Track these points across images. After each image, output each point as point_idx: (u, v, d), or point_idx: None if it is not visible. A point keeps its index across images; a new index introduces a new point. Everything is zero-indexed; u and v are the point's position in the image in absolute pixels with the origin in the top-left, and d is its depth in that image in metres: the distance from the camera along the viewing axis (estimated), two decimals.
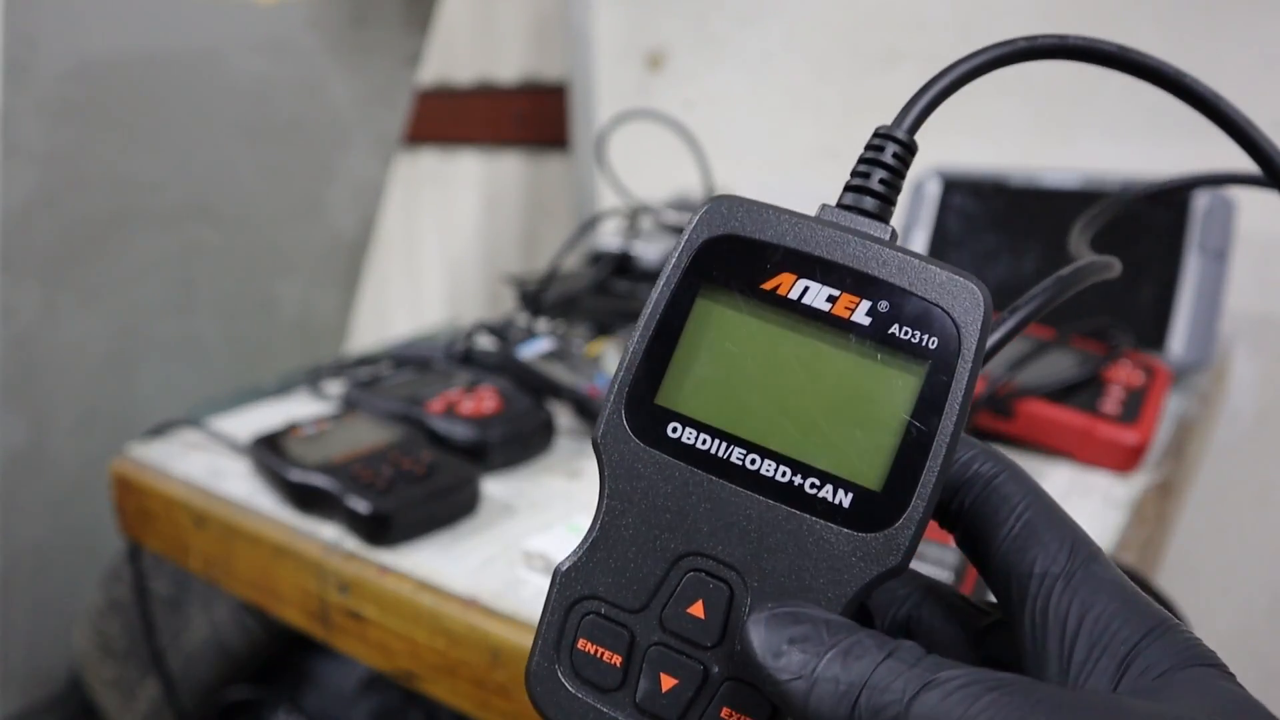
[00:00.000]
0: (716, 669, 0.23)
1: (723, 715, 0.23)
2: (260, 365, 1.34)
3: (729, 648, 0.23)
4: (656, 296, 0.25)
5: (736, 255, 0.24)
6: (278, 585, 0.67)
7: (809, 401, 0.23)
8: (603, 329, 0.95)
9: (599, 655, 0.24)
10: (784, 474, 0.23)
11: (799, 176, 1.28)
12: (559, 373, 0.81)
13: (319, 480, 0.64)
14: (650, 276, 1.01)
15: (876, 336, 0.23)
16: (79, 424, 1.18)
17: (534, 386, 0.79)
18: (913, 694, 0.20)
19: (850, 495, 0.23)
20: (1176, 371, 0.85)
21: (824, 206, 0.25)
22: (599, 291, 1.00)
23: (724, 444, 0.24)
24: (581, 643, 0.24)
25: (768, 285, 0.24)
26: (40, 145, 1.06)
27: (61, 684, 1.22)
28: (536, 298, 0.97)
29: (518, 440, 0.72)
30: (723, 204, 0.25)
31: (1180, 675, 0.21)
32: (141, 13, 1.12)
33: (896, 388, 0.23)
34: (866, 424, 0.23)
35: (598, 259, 1.07)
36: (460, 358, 0.86)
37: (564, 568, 0.25)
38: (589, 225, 1.05)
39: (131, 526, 0.78)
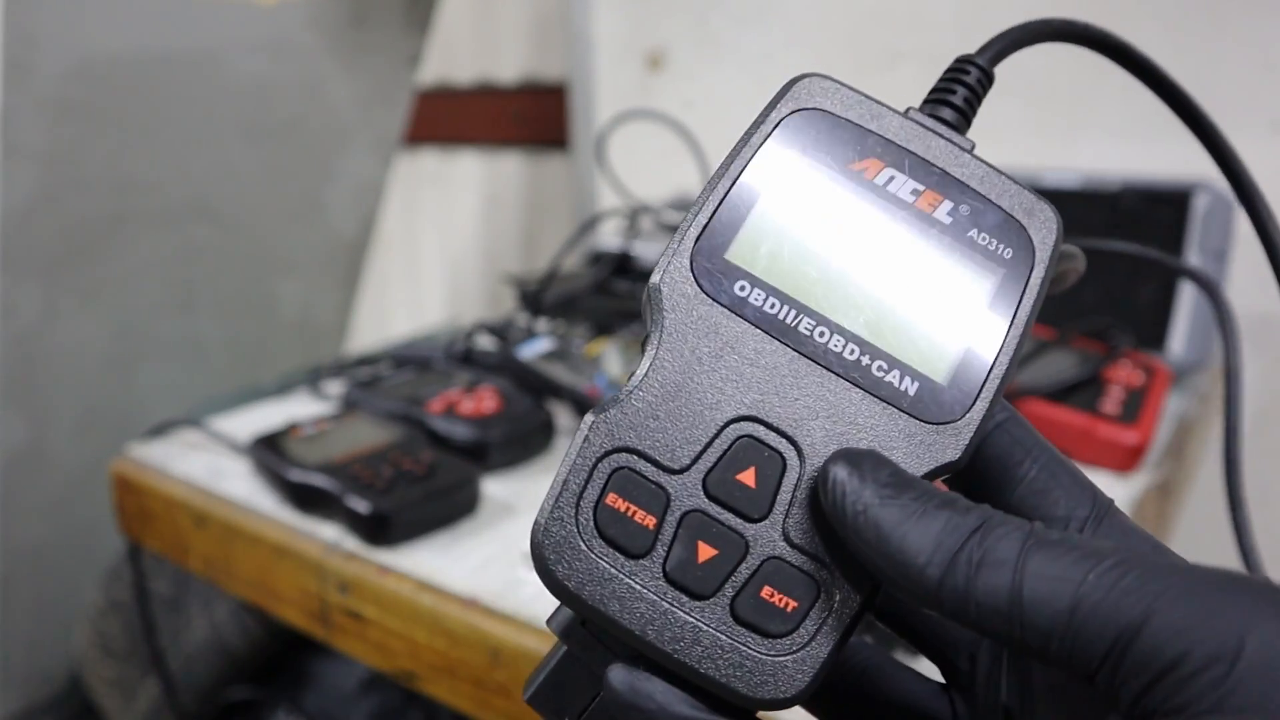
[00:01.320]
0: (761, 543, 0.22)
1: (763, 594, 0.21)
2: (260, 365, 1.34)
3: (777, 523, 0.22)
4: (739, 153, 0.23)
5: (826, 132, 0.24)
6: (278, 585, 0.67)
7: (884, 286, 0.23)
8: (603, 329, 0.95)
9: (630, 514, 0.22)
10: (852, 351, 0.22)
11: None
12: (559, 373, 0.81)
13: (319, 480, 0.64)
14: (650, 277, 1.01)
15: (956, 236, 0.23)
16: (79, 424, 1.18)
17: (534, 386, 0.79)
18: (1032, 544, 0.19)
19: (916, 384, 0.22)
20: (1176, 371, 0.85)
21: (910, 108, 0.25)
22: (599, 291, 1.00)
23: (794, 312, 0.23)
24: (611, 497, 0.22)
25: (855, 166, 0.23)
26: (40, 145, 1.06)
27: (61, 684, 1.22)
28: (536, 298, 0.96)
29: (518, 440, 0.72)
30: (815, 82, 0.24)
31: None
32: (141, 13, 1.12)
33: (971, 287, 0.23)
34: (939, 318, 0.23)
35: (598, 259, 1.07)
36: (460, 358, 0.86)
37: (598, 413, 0.22)
38: (589, 225, 1.05)
39: (131, 526, 0.78)
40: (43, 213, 1.08)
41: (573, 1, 1.44)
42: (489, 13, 1.69)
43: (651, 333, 0.23)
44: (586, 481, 0.22)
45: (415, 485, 0.63)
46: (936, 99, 0.25)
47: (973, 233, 0.23)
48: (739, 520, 0.22)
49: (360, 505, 0.61)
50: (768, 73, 1.30)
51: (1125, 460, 0.71)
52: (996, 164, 0.24)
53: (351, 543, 0.63)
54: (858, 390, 0.22)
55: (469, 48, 1.73)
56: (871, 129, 0.24)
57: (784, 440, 0.22)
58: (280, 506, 0.67)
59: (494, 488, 0.69)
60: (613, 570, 0.22)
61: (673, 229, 1.10)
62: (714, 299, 0.23)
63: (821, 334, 0.22)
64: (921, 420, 0.22)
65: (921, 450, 0.22)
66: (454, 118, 1.78)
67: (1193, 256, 0.87)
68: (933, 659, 0.26)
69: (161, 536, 0.75)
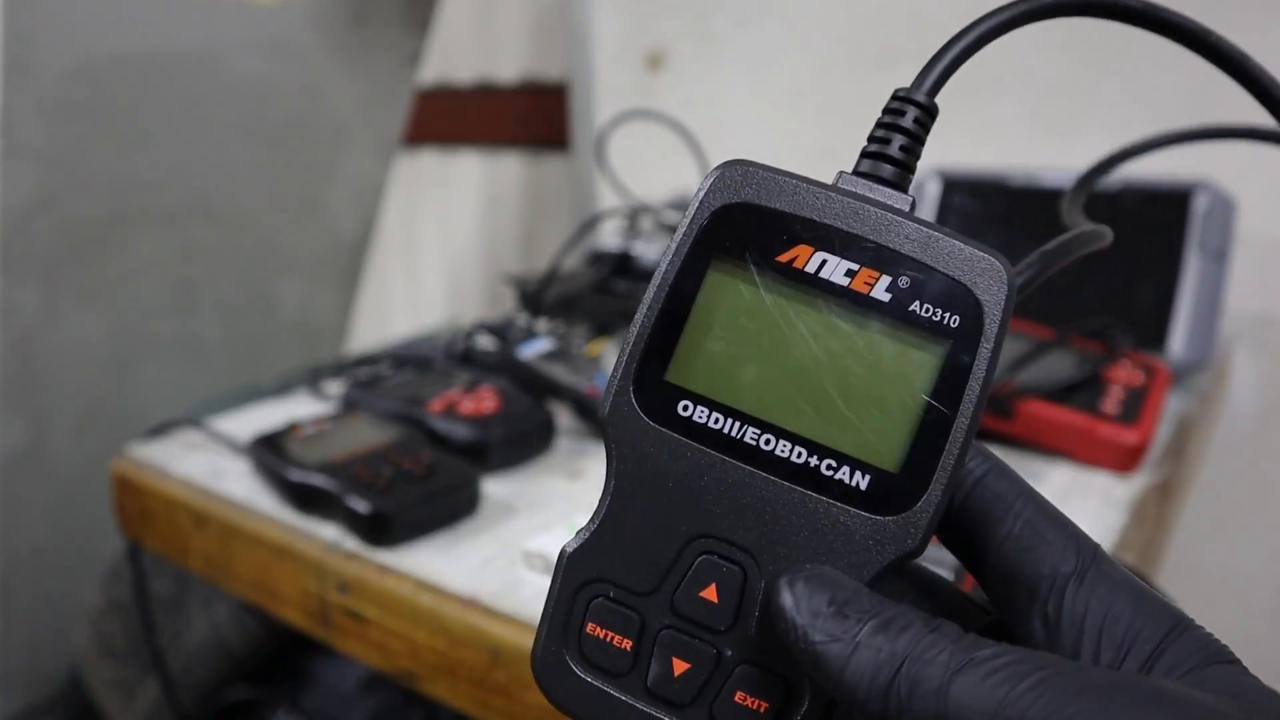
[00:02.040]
0: (730, 653, 0.23)
1: (736, 699, 0.23)
2: (260, 365, 1.34)
3: (742, 632, 0.23)
4: (666, 268, 0.23)
5: (750, 225, 0.23)
6: (278, 585, 0.67)
7: (825, 380, 0.23)
8: (603, 329, 0.95)
9: (609, 639, 0.24)
10: (799, 455, 0.23)
11: None
12: (559, 373, 0.81)
13: (319, 480, 0.64)
14: (651, 277, 1.01)
15: (896, 313, 0.22)
16: (79, 424, 1.18)
17: (534, 386, 0.79)
18: (955, 669, 0.20)
19: (868, 478, 0.22)
20: (1176, 371, 0.85)
21: (841, 174, 0.24)
22: (599, 291, 1.00)
23: (737, 423, 0.23)
24: (590, 626, 0.24)
25: (783, 258, 0.23)
26: (40, 145, 1.06)
27: (61, 684, 1.22)
28: (536, 298, 0.97)
29: (518, 440, 0.72)
30: (735, 170, 0.23)
31: (1206, 673, 0.21)
32: (141, 13, 1.12)
33: (916, 367, 0.22)
34: (884, 404, 0.22)
35: (598, 259, 1.07)
36: (460, 358, 0.86)
37: (570, 549, 0.24)
38: (589, 225, 1.05)
39: (131, 526, 0.78)
40: (43, 213, 1.08)
41: (573, 1, 1.44)
42: (489, 13, 1.69)
43: (609, 463, 0.24)
44: (569, 613, 0.24)
45: (415, 485, 0.63)
46: (873, 153, 0.24)
47: (914, 306, 0.22)
48: (707, 633, 0.23)
49: (360, 505, 0.61)
50: (768, 73, 1.30)
51: (1125, 460, 0.71)
52: (933, 222, 0.23)
53: (351, 543, 0.63)
54: (808, 494, 0.23)
55: (469, 48, 1.73)
56: (798, 213, 0.23)
57: (741, 552, 0.23)
58: (280, 506, 0.67)
59: (494, 488, 0.69)
60: (601, 689, 0.24)
61: (673, 229, 1.09)
62: (661, 424, 0.23)
63: (767, 442, 0.23)
64: (876, 514, 0.22)
65: (877, 545, 0.22)
66: (454, 118, 1.78)
67: (1193, 256, 0.87)
68: (993, 595, 0.26)
69: (161, 536, 0.75)
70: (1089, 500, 0.68)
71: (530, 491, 0.70)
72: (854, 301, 0.22)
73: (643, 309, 0.23)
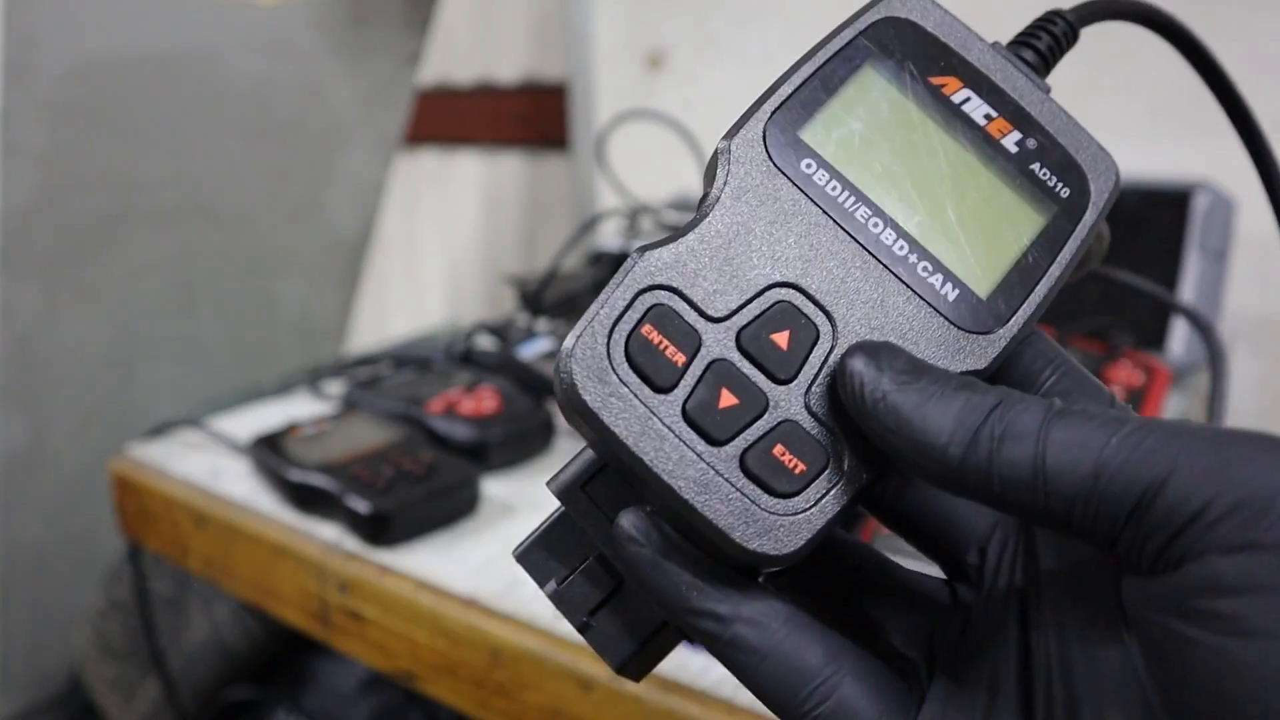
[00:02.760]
0: (782, 404, 0.22)
1: (775, 452, 0.22)
2: (260, 365, 1.34)
3: (800, 390, 0.22)
4: (830, 45, 0.24)
5: (913, 42, 0.25)
6: (278, 585, 0.67)
7: (944, 195, 0.24)
8: None
9: (661, 347, 0.22)
10: (901, 247, 0.23)
11: None
12: None
13: (319, 480, 0.64)
14: None
15: (1019, 165, 0.24)
16: (79, 424, 1.18)
17: (534, 386, 0.79)
18: (1053, 415, 0.19)
19: (957, 291, 0.23)
20: (1176, 371, 0.85)
21: (996, 42, 0.26)
22: (599, 291, 1.00)
23: (853, 199, 0.23)
24: (647, 328, 0.22)
25: (935, 80, 0.24)
26: (40, 145, 1.06)
27: (61, 684, 1.22)
28: (536, 298, 0.97)
29: (518, 440, 0.72)
30: None
31: None
32: (141, 13, 1.12)
33: (1024, 217, 0.24)
34: (989, 236, 0.23)
35: (598, 259, 1.07)
36: (460, 358, 0.86)
37: (644, 248, 0.23)
38: (589, 225, 1.05)
39: (131, 526, 0.78)
40: (43, 213, 1.08)
41: (573, 1, 1.44)
42: (489, 13, 1.69)
43: (711, 189, 0.23)
44: (625, 311, 0.22)
45: (415, 485, 0.63)
46: (1022, 41, 0.26)
47: (1034, 166, 0.24)
48: (765, 378, 0.22)
49: (360, 505, 0.61)
50: (768, 73, 1.29)
51: None
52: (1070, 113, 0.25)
53: (351, 543, 0.63)
54: (900, 284, 0.23)
55: (469, 48, 1.73)
56: (956, 49, 0.25)
57: (821, 313, 0.23)
58: (280, 506, 0.67)
59: (494, 488, 0.69)
60: (635, 398, 0.22)
61: (673, 229, 1.09)
62: (781, 170, 0.23)
63: (875, 225, 0.23)
64: (956, 326, 0.23)
65: (950, 353, 0.23)
66: (454, 118, 1.78)
67: (1193, 256, 0.87)
68: (937, 558, 0.26)
69: (161, 536, 0.75)
70: None
71: (530, 491, 0.70)
72: (985, 141, 0.24)
73: (799, 67, 0.24)
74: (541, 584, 0.26)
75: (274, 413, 0.82)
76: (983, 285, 0.23)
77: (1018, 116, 0.24)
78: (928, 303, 0.23)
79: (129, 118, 1.14)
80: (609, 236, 1.09)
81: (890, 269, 0.23)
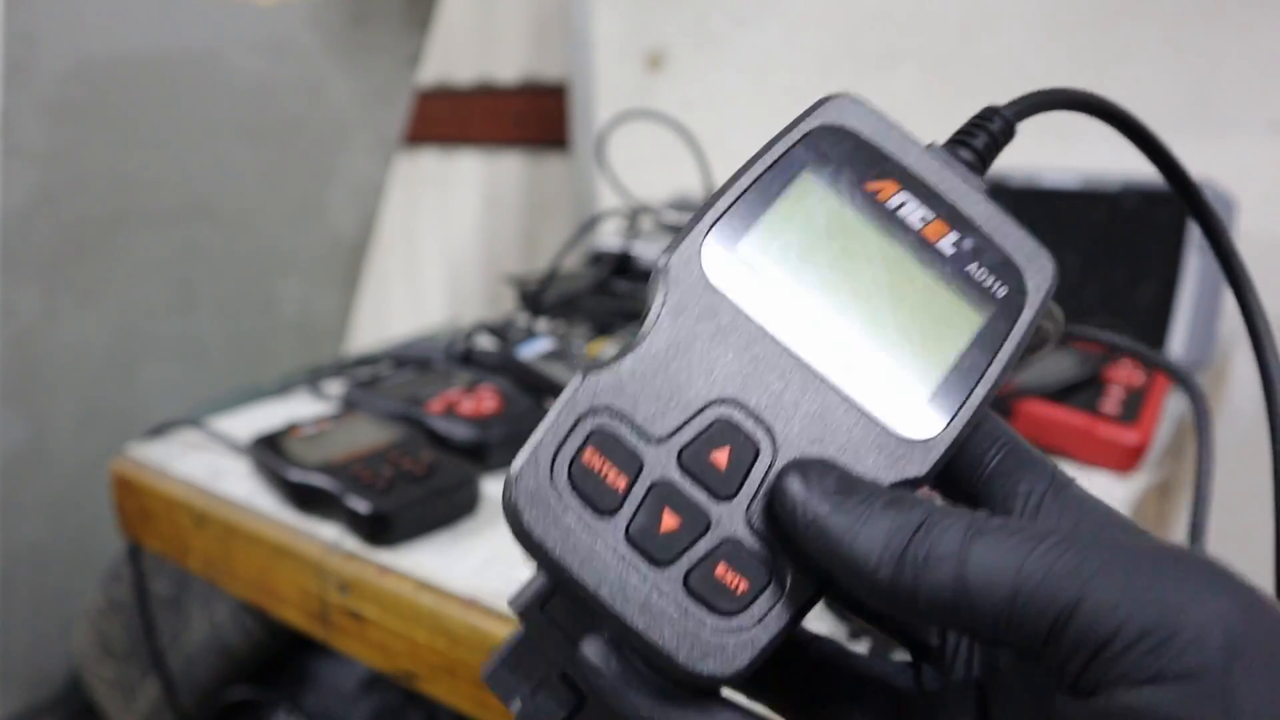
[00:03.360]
0: (723, 523, 0.22)
1: (717, 572, 0.22)
2: (260, 365, 1.34)
3: (740, 507, 0.22)
4: (766, 154, 0.25)
5: (849, 149, 0.25)
6: (278, 585, 0.67)
7: (882, 300, 0.24)
8: (603, 329, 0.95)
9: (603, 472, 0.22)
10: (842, 358, 0.23)
11: None
12: (559, 373, 0.81)
13: (319, 480, 0.64)
14: (649, 273, 1.01)
15: (955, 268, 0.24)
16: (79, 424, 1.18)
17: (534, 386, 0.79)
18: (974, 533, 0.20)
19: (897, 397, 0.23)
20: None
21: (932, 143, 0.26)
22: (599, 291, 1.00)
23: (793, 311, 0.23)
24: (589, 453, 0.23)
25: (870, 187, 0.24)
26: (40, 145, 1.06)
27: (61, 684, 1.22)
28: (536, 298, 0.97)
29: (518, 440, 0.72)
30: (847, 101, 0.25)
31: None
32: (141, 13, 1.12)
33: (962, 319, 0.24)
34: (928, 340, 0.24)
35: (598, 259, 1.07)
36: (460, 358, 0.86)
37: (588, 373, 0.23)
38: (589, 225, 1.05)
39: (131, 526, 0.78)
40: (43, 213, 1.08)
41: (573, 1, 1.44)
42: (489, 13, 1.69)
43: (651, 306, 0.24)
44: (567, 435, 0.23)
45: (415, 485, 0.63)
46: (960, 140, 0.26)
47: (971, 267, 0.24)
48: (705, 496, 0.22)
49: (360, 505, 0.61)
50: (768, 73, 1.30)
51: (1125, 460, 0.71)
52: (1004, 211, 0.25)
53: (351, 543, 0.63)
54: (843, 394, 0.23)
55: (469, 48, 1.73)
56: (892, 154, 0.25)
57: (761, 428, 0.23)
58: (280, 506, 0.67)
59: (494, 488, 0.69)
60: (578, 524, 0.22)
61: (673, 229, 1.10)
62: (717, 286, 0.23)
63: (815, 336, 0.23)
64: (894, 434, 0.23)
65: (890, 461, 0.23)
66: (454, 118, 1.78)
67: (1193, 257, 0.87)
68: (902, 642, 0.26)
69: (161, 536, 0.75)
70: None
71: None
72: (922, 244, 0.24)
73: (736, 179, 0.24)
74: (507, 702, 0.26)
75: (274, 413, 0.82)
76: (923, 390, 0.23)
77: (954, 218, 0.24)
78: (866, 412, 0.23)
79: (129, 118, 1.14)
80: (609, 236, 1.09)
81: (829, 380, 0.23)
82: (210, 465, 0.74)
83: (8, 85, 1.01)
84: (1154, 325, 0.87)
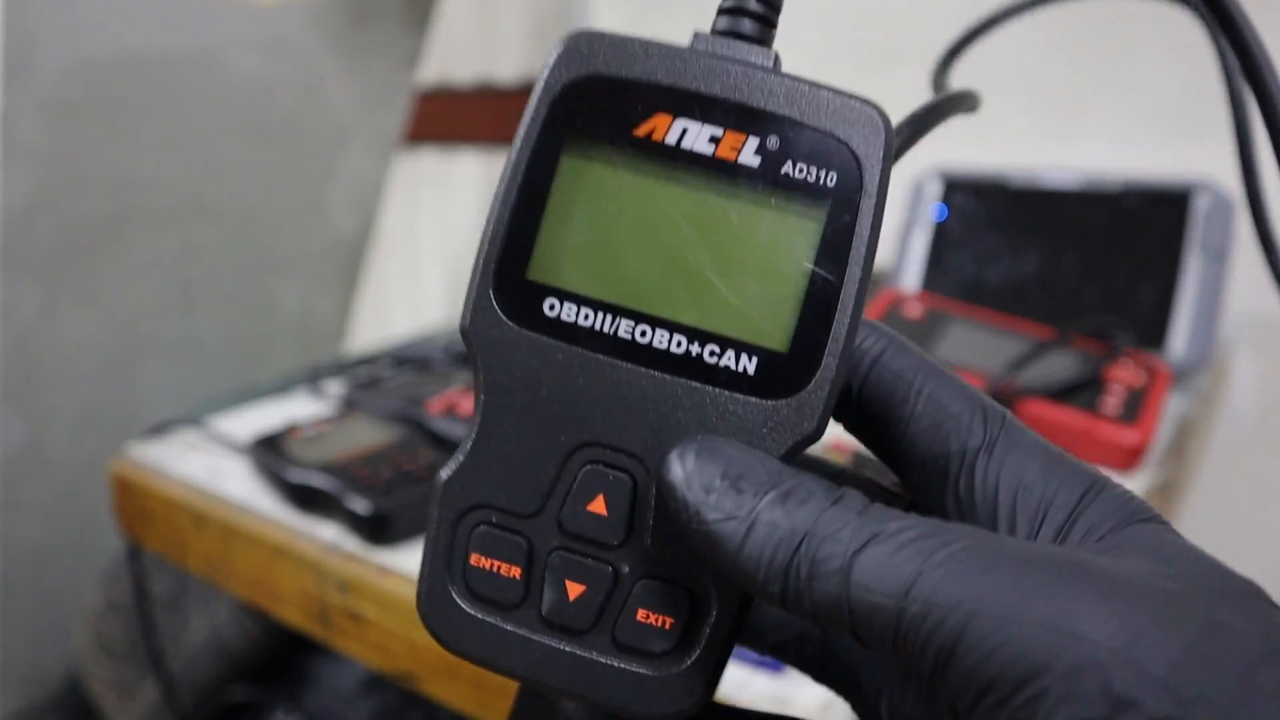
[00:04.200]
0: (627, 569, 0.21)
1: (639, 618, 0.21)
2: (260, 365, 1.34)
3: (638, 545, 0.21)
4: (515, 157, 0.21)
5: (602, 99, 0.21)
6: (277, 585, 0.67)
7: (699, 260, 0.21)
8: None
9: (496, 570, 0.22)
10: (679, 344, 0.21)
11: None
12: None
13: (319, 480, 0.64)
14: None
15: (768, 178, 0.20)
16: (79, 424, 1.18)
17: None
18: (859, 545, 0.18)
19: (754, 360, 0.20)
20: (1176, 371, 0.85)
21: (696, 34, 0.22)
22: None
23: (609, 317, 0.21)
24: (474, 558, 0.22)
25: (640, 131, 0.21)
26: (40, 145, 1.06)
27: (61, 684, 1.22)
28: None
29: None
30: (581, 40, 0.21)
31: (1126, 534, 0.19)
32: (141, 13, 1.12)
33: (795, 234, 0.20)
34: (765, 278, 0.20)
35: None
36: (460, 358, 0.86)
37: (444, 477, 0.22)
38: None
39: (131, 526, 0.78)
40: (43, 213, 1.08)
41: (573, 1, 1.44)
42: (489, 13, 1.69)
43: (475, 379, 0.22)
44: (451, 546, 0.22)
45: (415, 485, 0.63)
46: (729, 9, 0.22)
47: (786, 167, 0.20)
48: (599, 550, 0.21)
49: (360, 505, 0.61)
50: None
51: (1125, 460, 0.71)
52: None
53: (351, 543, 0.63)
54: (695, 384, 0.21)
55: (469, 48, 1.73)
56: (653, 80, 0.21)
57: (629, 458, 0.21)
58: (280, 507, 0.67)
59: None
60: (493, 624, 0.22)
61: None
62: (527, 327, 0.21)
63: (643, 333, 0.21)
64: (768, 399, 0.20)
65: (774, 430, 0.20)
66: (454, 118, 1.78)
67: (1193, 256, 0.87)
68: (831, 686, 0.25)
69: (161, 537, 0.75)
70: None
71: None
72: (721, 170, 0.20)
73: (494, 205, 0.21)
74: None
75: (274, 413, 0.82)
76: (779, 338, 0.20)
77: (746, 119, 0.20)
78: (729, 391, 0.20)
79: (129, 118, 1.14)
80: None
81: (677, 376, 0.21)
82: (210, 465, 0.74)
83: (8, 85, 1.01)
84: (1154, 325, 0.87)
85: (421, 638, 0.59)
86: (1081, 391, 0.75)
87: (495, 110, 1.72)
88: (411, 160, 1.84)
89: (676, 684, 0.21)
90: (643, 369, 0.21)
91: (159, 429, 0.80)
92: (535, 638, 0.22)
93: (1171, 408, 0.82)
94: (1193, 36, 1.13)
